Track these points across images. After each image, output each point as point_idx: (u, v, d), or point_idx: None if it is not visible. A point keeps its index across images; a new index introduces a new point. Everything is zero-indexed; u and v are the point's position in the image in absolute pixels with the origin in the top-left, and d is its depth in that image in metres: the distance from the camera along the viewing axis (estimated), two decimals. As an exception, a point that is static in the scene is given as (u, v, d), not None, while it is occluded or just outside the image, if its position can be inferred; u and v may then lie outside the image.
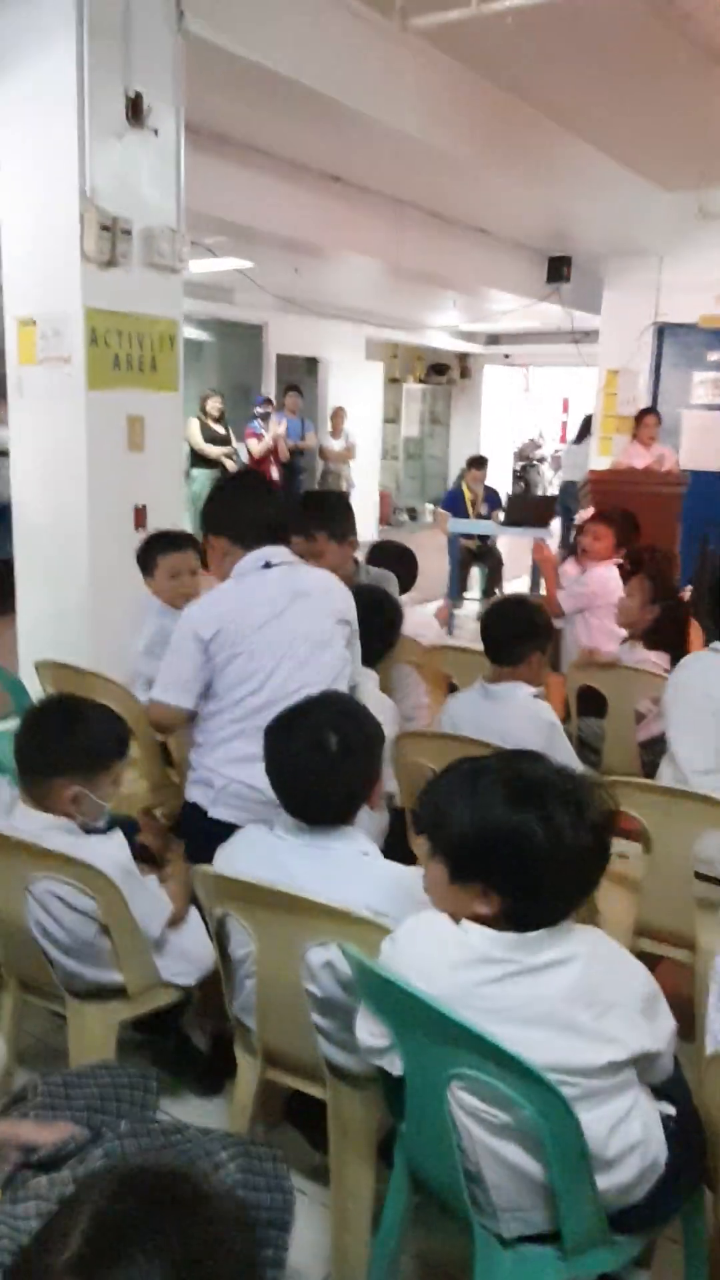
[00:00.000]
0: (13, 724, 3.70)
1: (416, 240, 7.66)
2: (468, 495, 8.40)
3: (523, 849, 1.43)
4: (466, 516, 8.29)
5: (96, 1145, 1.55)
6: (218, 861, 1.97)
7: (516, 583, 8.75)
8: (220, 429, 9.83)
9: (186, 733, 2.65)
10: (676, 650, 3.52)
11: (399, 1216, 1.75)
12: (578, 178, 6.76)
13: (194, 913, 2.28)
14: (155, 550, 3.22)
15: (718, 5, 4.66)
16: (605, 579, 4.31)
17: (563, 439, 15.10)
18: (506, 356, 15.27)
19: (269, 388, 11.39)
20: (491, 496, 8.48)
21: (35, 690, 3.56)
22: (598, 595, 4.29)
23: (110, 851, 2.09)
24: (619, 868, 2.70)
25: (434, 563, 8.08)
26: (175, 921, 2.24)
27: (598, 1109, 1.45)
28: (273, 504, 2.65)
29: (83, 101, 3.66)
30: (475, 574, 8.58)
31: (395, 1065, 1.55)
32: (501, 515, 8.23)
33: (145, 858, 2.42)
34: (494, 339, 14.75)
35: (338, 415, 11.40)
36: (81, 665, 3.44)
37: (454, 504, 8.48)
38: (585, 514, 4.79)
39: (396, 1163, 1.74)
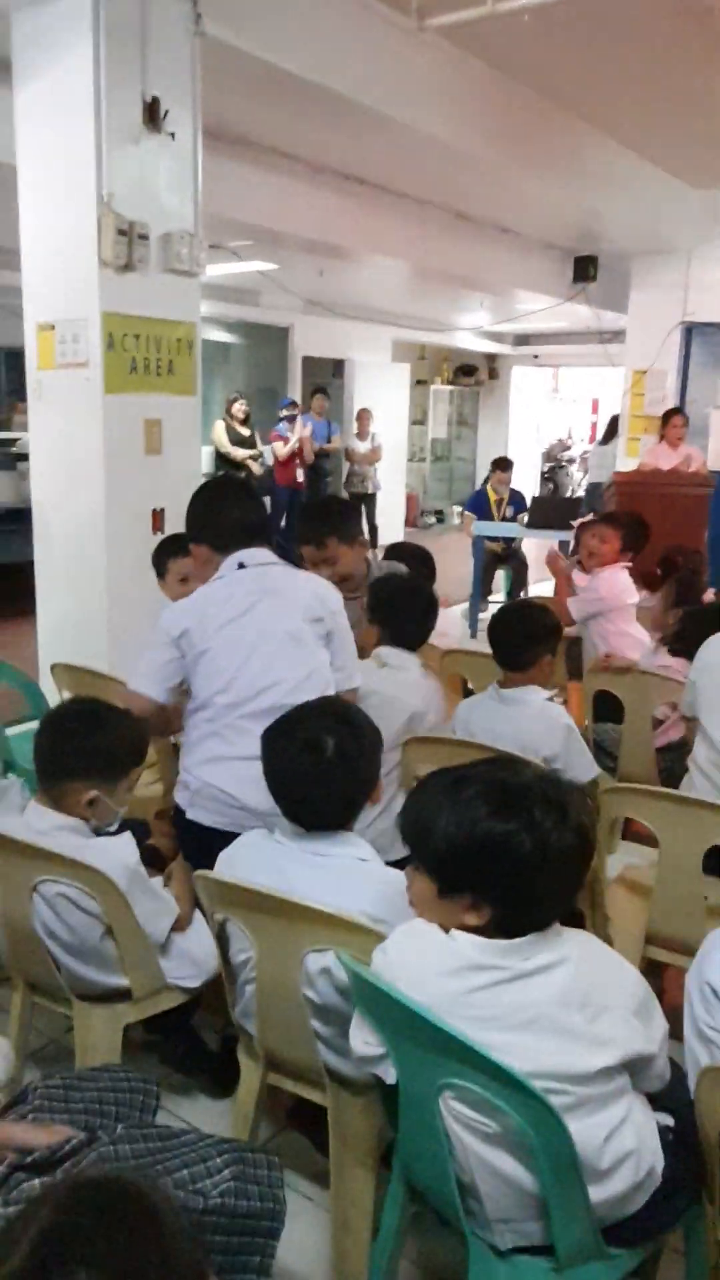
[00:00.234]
0: (28, 727, 3.76)
1: (440, 241, 7.63)
2: (492, 497, 8.35)
3: (511, 858, 1.41)
4: (491, 519, 8.23)
5: (91, 1149, 1.55)
6: (219, 866, 1.97)
7: (542, 586, 8.68)
8: (246, 431, 9.86)
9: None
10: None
11: (396, 1225, 1.74)
12: (603, 175, 6.70)
13: (198, 916, 2.28)
14: (167, 554, 3.24)
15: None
16: (614, 582, 4.22)
17: (592, 440, 15.01)
18: (535, 357, 15.20)
19: (295, 390, 11.41)
20: (517, 499, 8.42)
21: (51, 693, 3.59)
22: (607, 599, 4.19)
23: (118, 852, 2.09)
24: (631, 874, 2.68)
25: (459, 566, 8.05)
26: (180, 926, 2.24)
27: (591, 1117, 1.43)
28: (250, 507, 2.67)
29: (99, 106, 3.67)
30: (500, 577, 8.53)
31: (389, 1074, 1.54)
32: (526, 518, 8.18)
33: (156, 861, 2.43)
34: (523, 339, 14.68)
35: (364, 417, 11.39)
36: (100, 668, 3.46)
37: (479, 506, 8.43)
38: (583, 519, 4.71)
39: (394, 1171, 1.73)
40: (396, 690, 2.90)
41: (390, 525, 12.24)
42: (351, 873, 1.83)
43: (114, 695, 2.61)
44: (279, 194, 6.23)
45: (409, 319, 12.02)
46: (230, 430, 9.76)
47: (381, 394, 12.33)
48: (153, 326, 4.01)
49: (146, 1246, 0.79)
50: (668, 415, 8.03)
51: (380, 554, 3.79)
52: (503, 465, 8.56)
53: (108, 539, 4.00)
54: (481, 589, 8.17)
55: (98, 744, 2.15)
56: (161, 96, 3.85)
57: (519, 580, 8.38)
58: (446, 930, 1.48)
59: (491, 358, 15.40)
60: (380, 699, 2.80)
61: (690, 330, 8.81)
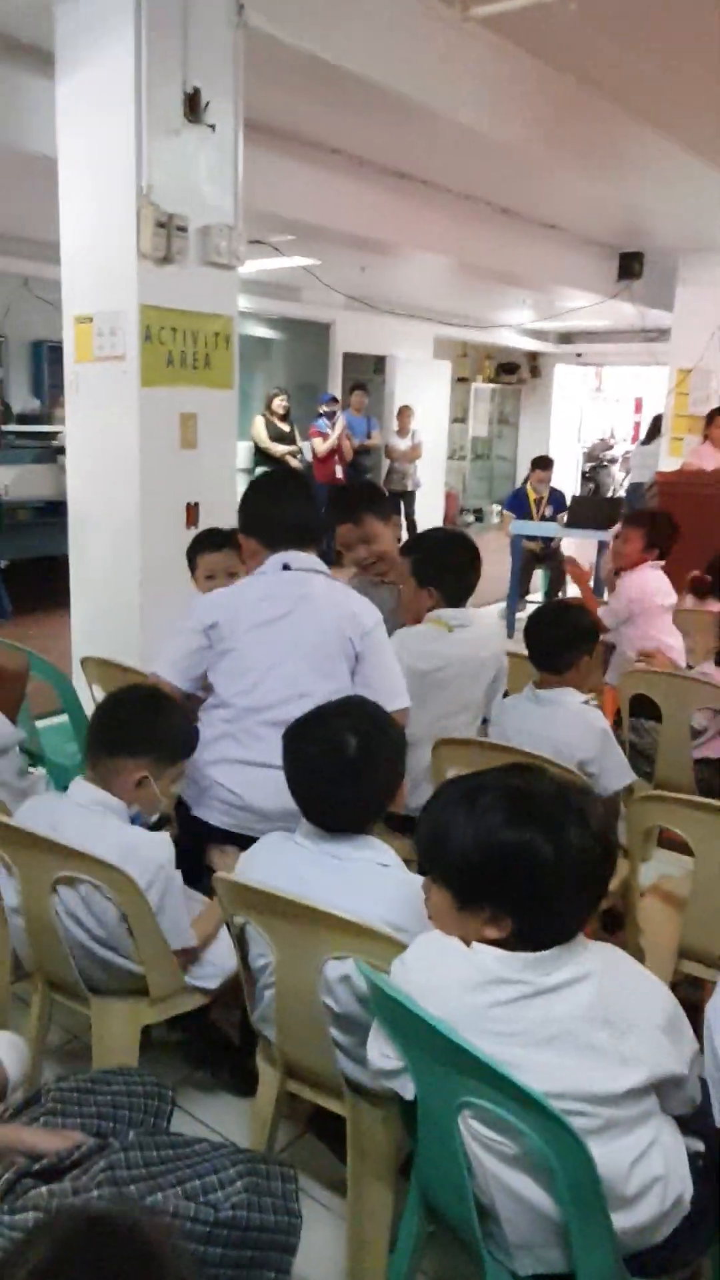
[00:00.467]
0: (58, 720, 3.75)
1: (483, 237, 7.54)
2: (532, 496, 8.27)
3: (531, 868, 1.36)
4: (530, 518, 8.16)
5: (101, 1156, 1.52)
6: (240, 868, 1.93)
7: (582, 586, 8.58)
8: (285, 427, 9.84)
9: None
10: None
11: (413, 1243, 1.69)
12: (649, 170, 6.58)
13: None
14: (197, 550, 3.22)
15: None
16: (642, 583, 4.03)
17: (634, 439, 14.83)
18: (579, 355, 15.03)
19: (335, 386, 11.37)
20: (557, 498, 8.34)
21: (82, 688, 3.58)
22: (636, 602, 4.01)
23: (150, 849, 2.07)
24: (666, 885, 2.61)
25: (497, 565, 7.98)
26: (205, 942, 2.21)
27: (618, 1140, 1.37)
28: (309, 509, 2.61)
29: (140, 97, 3.64)
30: (538, 577, 8.44)
31: (407, 1089, 1.49)
32: (565, 517, 8.09)
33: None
34: (566, 338, 14.52)
35: (404, 414, 11.32)
36: (132, 663, 3.44)
37: (518, 505, 8.35)
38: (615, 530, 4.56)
39: (412, 1188, 1.68)
40: (474, 649, 2.90)
41: (429, 523, 12.15)
42: (370, 877, 1.78)
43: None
44: (321, 188, 6.18)
45: (451, 316, 11.93)
46: (270, 426, 9.74)
47: (422, 391, 12.25)
48: (190, 320, 3.99)
49: None
50: (712, 415, 7.85)
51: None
52: (543, 464, 8.48)
53: (142, 533, 3.98)
54: (519, 589, 8.10)
55: (157, 725, 2.19)
56: (203, 88, 3.82)
57: (557, 580, 8.28)
58: (467, 943, 1.43)
59: (534, 356, 15.26)
60: (462, 664, 2.81)
61: (737, 328, 8.64)
